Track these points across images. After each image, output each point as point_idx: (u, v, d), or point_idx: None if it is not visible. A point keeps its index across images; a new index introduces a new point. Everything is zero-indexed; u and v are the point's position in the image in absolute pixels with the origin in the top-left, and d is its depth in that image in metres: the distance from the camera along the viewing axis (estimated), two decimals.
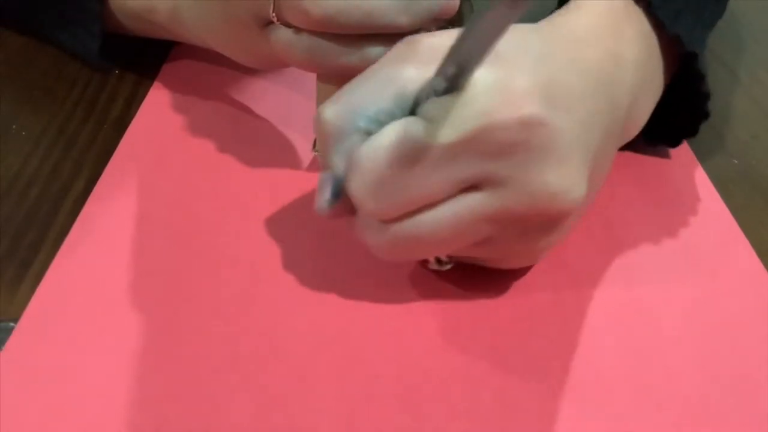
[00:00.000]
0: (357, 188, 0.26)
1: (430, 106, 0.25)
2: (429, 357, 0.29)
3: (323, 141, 0.28)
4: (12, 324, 0.29)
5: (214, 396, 0.27)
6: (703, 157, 0.41)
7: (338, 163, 0.27)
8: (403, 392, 0.27)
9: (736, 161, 0.41)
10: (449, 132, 0.25)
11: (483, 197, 0.26)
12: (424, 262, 0.31)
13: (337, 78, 0.34)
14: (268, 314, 0.30)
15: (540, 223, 0.27)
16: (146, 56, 0.46)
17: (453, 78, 0.24)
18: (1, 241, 0.33)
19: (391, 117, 0.26)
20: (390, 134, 0.25)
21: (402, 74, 0.26)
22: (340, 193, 0.27)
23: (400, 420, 0.26)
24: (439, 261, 0.30)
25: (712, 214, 0.36)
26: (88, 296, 0.31)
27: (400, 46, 0.27)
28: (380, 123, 0.26)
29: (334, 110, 0.27)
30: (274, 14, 0.31)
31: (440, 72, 0.24)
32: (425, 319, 0.30)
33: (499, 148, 0.25)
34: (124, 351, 0.28)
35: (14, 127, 0.41)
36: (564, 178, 0.26)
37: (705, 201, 0.37)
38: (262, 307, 0.30)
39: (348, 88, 0.27)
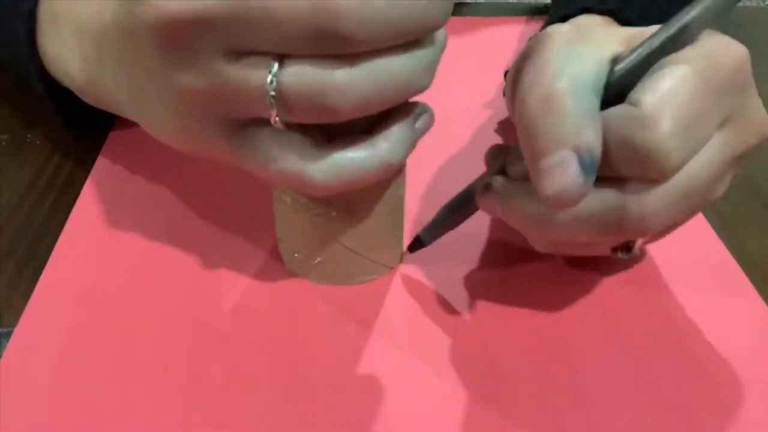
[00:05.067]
0: (662, 140, 0.25)
1: (685, 52, 0.26)
2: (430, 373, 0.29)
3: (550, 121, 0.25)
4: None
5: (212, 401, 0.27)
6: None
7: (589, 136, 0.25)
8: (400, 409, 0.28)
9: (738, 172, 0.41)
10: (730, 58, 0.26)
11: (729, 135, 0.27)
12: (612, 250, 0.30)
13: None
14: (273, 323, 0.31)
15: (746, 157, 0.28)
16: None
17: (678, 35, 0.26)
18: (18, 248, 0.34)
19: (599, 90, 0.26)
20: (685, 76, 0.25)
21: (587, 50, 0.27)
22: (594, 167, 0.25)
23: None
24: (628, 248, 0.29)
25: (691, 226, 0.37)
26: (80, 301, 0.31)
27: (541, 41, 0.28)
28: (597, 97, 0.26)
29: (568, 90, 0.25)
30: (276, 117, 0.25)
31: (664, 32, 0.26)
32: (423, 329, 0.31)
33: (745, 80, 0.27)
34: (120, 357, 0.29)
35: (29, 137, 0.42)
36: (764, 109, 0.28)
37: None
38: (265, 314, 0.31)
39: (557, 68, 0.26)
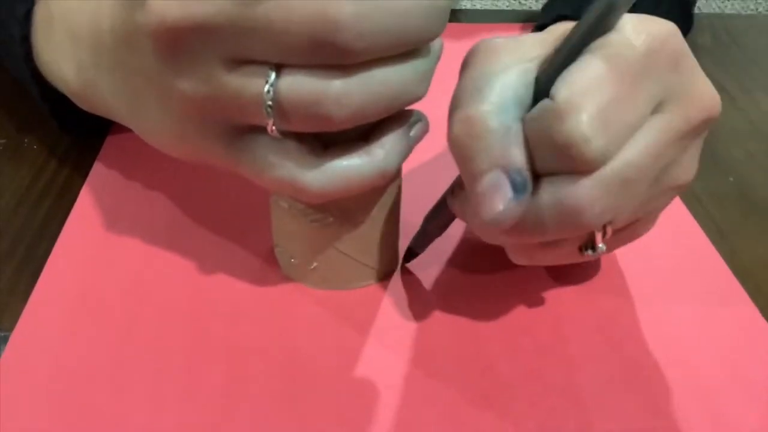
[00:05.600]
0: (579, 129, 0.24)
1: (600, 40, 0.25)
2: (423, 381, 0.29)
3: (476, 145, 0.25)
4: None
5: (209, 404, 0.28)
6: (699, 174, 0.41)
7: (515, 154, 0.25)
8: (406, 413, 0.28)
9: (731, 179, 0.42)
10: (643, 39, 0.25)
11: (668, 115, 0.26)
12: (579, 251, 0.29)
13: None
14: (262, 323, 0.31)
15: (699, 134, 0.28)
16: None
17: (599, 22, 0.25)
18: (15, 252, 0.34)
19: (525, 99, 0.26)
20: (595, 64, 0.25)
21: (509, 60, 0.26)
22: (526, 184, 0.25)
23: None
24: (593, 247, 0.28)
25: (685, 233, 0.37)
26: (78, 304, 0.31)
27: (483, 48, 0.27)
28: (522, 106, 0.26)
29: (488, 110, 0.25)
30: (273, 126, 0.25)
31: (591, 15, 0.25)
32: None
33: (674, 57, 0.26)
34: (117, 361, 0.29)
35: (26, 140, 0.42)
36: (709, 82, 0.28)
37: (675, 218, 0.38)
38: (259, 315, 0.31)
39: (477, 88, 0.26)
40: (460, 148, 0.26)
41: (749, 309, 0.33)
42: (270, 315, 0.31)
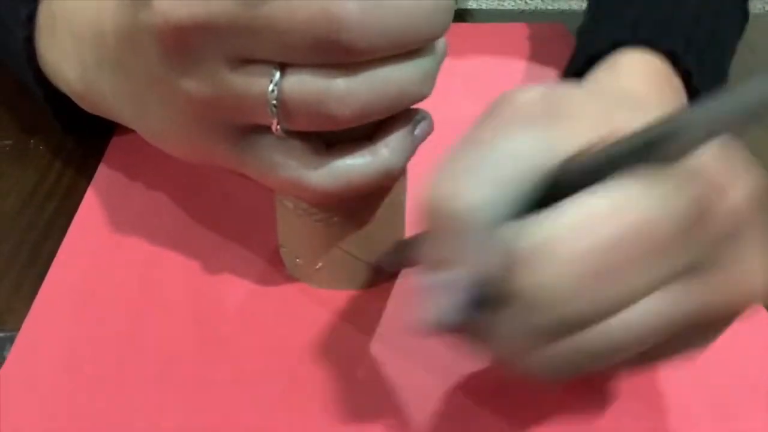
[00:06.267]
0: (550, 283, 0.19)
1: (643, 174, 0.19)
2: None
3: (448, 231, 0.21)
4: None
5: (214, 406, 0.27)
6: None
7: (487, 265, 0.20)
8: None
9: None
10: (686, 205, 0.19)
11: (684, 291, 0.20)
12: None
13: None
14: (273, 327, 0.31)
15: (718, 329, 0.22)
16: None
17: (658, 144, 0.19)
18: (20, 252, 0.34)
19: (526, 196, 0.20)
20: (602, 205, 0.19)
21: (527, 144, 0.21)
22: (483, 299, 0.20)
23: None
24: None
25: None
26: (83, 305, 0.31)
27: (501, 106, 0.23)
28: (519, 205, 0.20)
29: (475, 200, 0.20)
30: (277, 125, 0.25)
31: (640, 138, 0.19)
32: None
33: (732, 225, 0.20)
34: (122, 362, 0.29)
35: (32, 141, 0.42)
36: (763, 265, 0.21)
37: None
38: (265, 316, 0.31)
39: (477, 160, 0.21)
40: (430, 217, 0.21)
41: (755, 309, 0.32)
42: (275, 315, 0.31)
